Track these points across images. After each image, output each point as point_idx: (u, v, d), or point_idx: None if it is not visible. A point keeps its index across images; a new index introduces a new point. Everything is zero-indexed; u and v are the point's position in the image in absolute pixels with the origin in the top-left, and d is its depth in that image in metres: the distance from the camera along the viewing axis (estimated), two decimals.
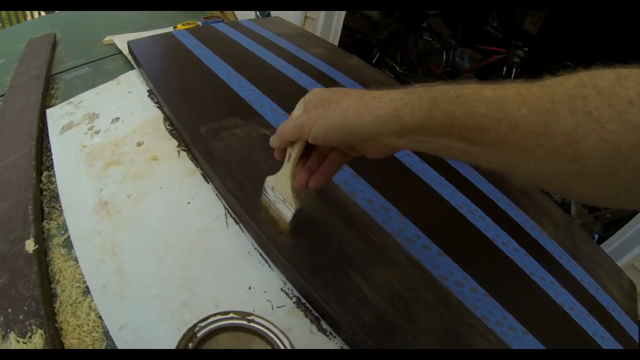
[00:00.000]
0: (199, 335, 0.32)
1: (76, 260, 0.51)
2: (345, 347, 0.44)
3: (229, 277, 0.48)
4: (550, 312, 0.60)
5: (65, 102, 0.82)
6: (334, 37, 2.58)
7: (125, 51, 0.97)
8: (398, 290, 0.47)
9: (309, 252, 0.46)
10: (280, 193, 0.43)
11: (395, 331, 0.43)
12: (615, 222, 2.20)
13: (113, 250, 0.52)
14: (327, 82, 0.85)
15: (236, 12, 1.45)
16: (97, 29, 1.23)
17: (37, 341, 0.41)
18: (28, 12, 3.63)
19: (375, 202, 0.55)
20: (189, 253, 0.50)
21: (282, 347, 0.32)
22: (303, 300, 0.46)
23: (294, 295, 0.46)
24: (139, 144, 0.67)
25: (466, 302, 0.51)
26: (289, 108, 0.70)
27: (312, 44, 1.03)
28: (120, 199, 0.58)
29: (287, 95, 0.73)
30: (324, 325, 0.45)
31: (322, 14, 2.35)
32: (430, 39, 3.70)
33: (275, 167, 0.44)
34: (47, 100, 0.85)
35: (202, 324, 0.33)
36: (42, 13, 3.73)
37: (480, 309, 0.51)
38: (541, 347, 0.52)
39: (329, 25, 2.45)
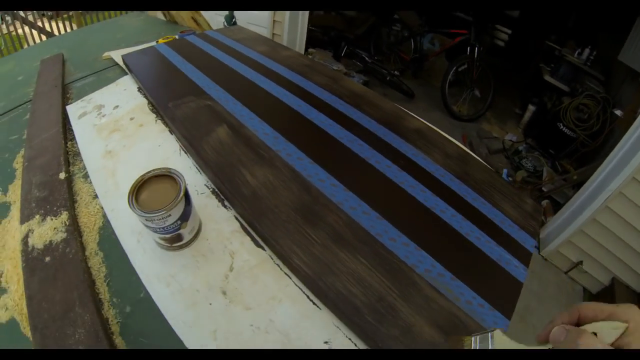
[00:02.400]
0: (145, 178, 0.65)
1: (90, 182, 0.84)
2: (237, 215, 0.73)
3: None
4: (413, 211, 0.75)
5: (79, 100, 1.16)
6: (301, 36, 2.95)
7: (121, 63, 1.32)
8: (271, 180, 0.76)
9: (218, 162, 0.79)
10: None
11: (263, 200, 0.71)
12: (582, 183, 2.25)
13: (113, 174, 0.84)
14: (262, 69, 1.20)
15: (210, 23, 1.83)
16: (95, 48, 1.52)
17: (63, 218, 0.73)
18: (24, 40, 4.13)
19: (269, 135, 0.88)
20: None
21: (181, 182, 0.63)
22: (216, 190, 0.78)
23: (211, 187, 0.79)
24: (131, 119, 1.00)
25: (325, 192, 0.75)
26: (227, 87, 1.04)
27: (260, 44, 1.38)
28: (118, 148, 0.91)
29: (231, 81, 1.09)
30: (226, 203, 0.77)
31: (287, 18, 2.73)
32: (399, 29, 4.01)
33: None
34: (65, 101, 1.18)
35: (146, 175, 0.66)
36: (43, 38, 4.20)
37: (337, 196, 0.75)
38: (408, 241, 0.68)
39: (294, 26, 2.82)
